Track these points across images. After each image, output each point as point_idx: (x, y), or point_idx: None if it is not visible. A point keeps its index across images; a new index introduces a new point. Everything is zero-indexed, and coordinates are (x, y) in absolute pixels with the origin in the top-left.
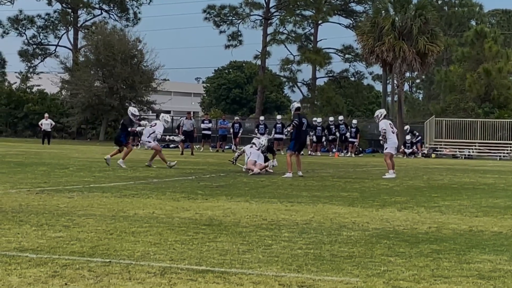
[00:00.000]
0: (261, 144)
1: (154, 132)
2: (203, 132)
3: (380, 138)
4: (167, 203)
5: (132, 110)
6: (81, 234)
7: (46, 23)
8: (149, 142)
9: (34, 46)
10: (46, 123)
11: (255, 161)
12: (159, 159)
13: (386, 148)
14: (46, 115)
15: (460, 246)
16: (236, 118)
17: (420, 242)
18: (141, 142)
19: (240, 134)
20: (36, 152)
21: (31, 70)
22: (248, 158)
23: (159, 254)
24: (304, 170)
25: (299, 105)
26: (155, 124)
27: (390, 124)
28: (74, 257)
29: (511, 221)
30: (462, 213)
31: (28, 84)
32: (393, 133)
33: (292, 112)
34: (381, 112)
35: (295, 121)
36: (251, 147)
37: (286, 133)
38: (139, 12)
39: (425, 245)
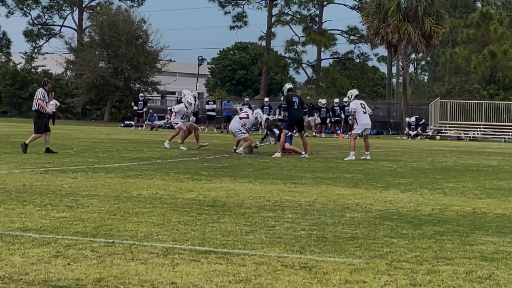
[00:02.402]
0: (257, 120)
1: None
2: (208, 113)
3: (350, 118)
4: (171, 184)
5: (188, 98)
6: (84, 214)
7: (51, 3)
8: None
9: (39, 27)
10: (51, 104)
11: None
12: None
13: (354, 129)
14: (51, 95)
15: (463, 228)
16: (246, 99)
17: (423, 223)
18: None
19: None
20: None
21: (36, 50)
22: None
23: (162, 234)
24: (308, 151)
25: (290, 86)
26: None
27: (362, 104)
28: (77, 237)
29: None
30: (465, 195)
31: (33, 65)
32: (365, 113)
33: (284, 94)
34: (352, 92)
35: (282, 104)
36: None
37: (281, 117)
38: None
39: (428, 227)
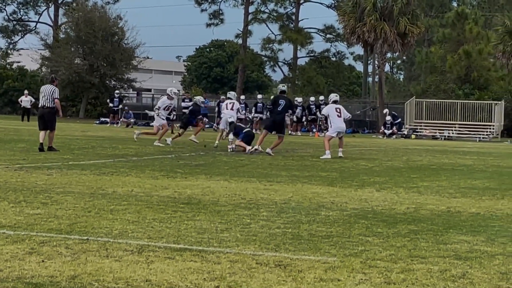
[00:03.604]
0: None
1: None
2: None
3: (320, 121)
4: (146, 181)
5: (173, 89)
6: (59, 211)
7: None
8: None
9: (14, 22)
10: (25, 100)
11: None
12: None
13: (328, 131)
14: (26, 92)
15: (438, 226)
16: (222, 97)
17: (398, 222)
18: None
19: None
20: (15, 129)
21: (11, 46)
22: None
23: (137, 232)
24: (284, 149)
25: (283, 88)
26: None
27: (337, 109)
28: (51, 234)
29: (489, 202)
30: (440, 194)
31: (8, 61)
32: (339, 117)
33: (276, 94)
34: (331, 97)
35: (268, 104)
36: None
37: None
38: None
39: (402, 226)
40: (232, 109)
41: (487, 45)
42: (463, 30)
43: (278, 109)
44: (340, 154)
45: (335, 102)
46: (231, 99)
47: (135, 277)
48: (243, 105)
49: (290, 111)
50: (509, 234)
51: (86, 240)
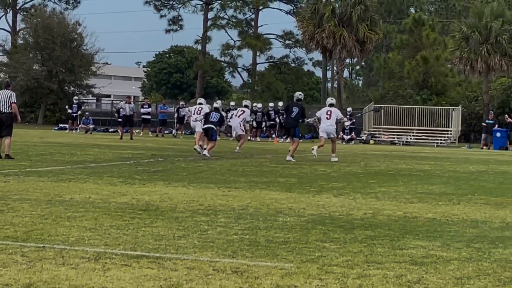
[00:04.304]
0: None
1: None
2: (143, 116)
3: (315, 122)
4: (104, 187)
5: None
6: (15, 218)
7: None
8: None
9: None
10: None
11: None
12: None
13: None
14: None
15: (394, 232)
16: (181, 103)
17: (355, 228)
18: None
19: (186, 119)
20: None
21: None
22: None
23: (94, 239)
24: (243, 155)
25: (299, 97)
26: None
27: (328, 111)
28: (7, 242)
29: (445, 208)
30: (397, 200)
31: None
32: (328, 119)
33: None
34: (327, 101)
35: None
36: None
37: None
38: None
39: (359, 231)
40: (239, 116)
41: (444, 51)
42: (420, 36)
43: (291, 116)
44: (334, 159)
45: (331, 105)
46: (247, 106)
47: (91, 284)
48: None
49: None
50: (465, 239)
51: (42, 247)
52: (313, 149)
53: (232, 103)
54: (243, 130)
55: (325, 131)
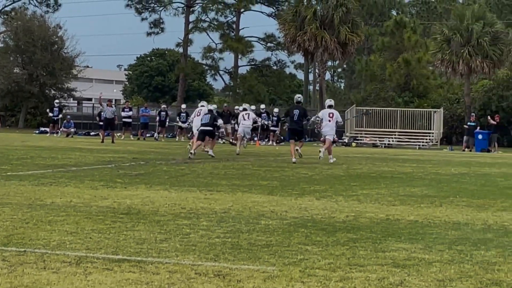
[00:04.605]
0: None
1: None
2: (124, 120)
3: (316, 126)
4: (85, 191)
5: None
6: None
7: None
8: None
9: None
10: None
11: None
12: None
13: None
14: None
15: (376, 234)
16: (163, 106)
17: (337, 230)
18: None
19: (167, 123)
20: None
21: None
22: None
23: (75, 243)
24: (225, 158)
25: (299, 99)
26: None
27: (330, 114)
28: None
29: (427, 210)
30: (379, 202)
31: None
32: (330, 121)
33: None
34: (326, 102)
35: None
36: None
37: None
38: None
39: (342, 234)
40: (248, 119)
41: (426, 53)
42: (402, 39)
43: (294, 119)
44: (332, 159)
45: (330, 106)
46: (246, 110)
47: None
48: (184, 114)
49: (307, 119)
50: (446, 241)
51: (23, 252)
52: (320, 151)
53: (234, 105)
54: (249, 133)
55: (325, 133)
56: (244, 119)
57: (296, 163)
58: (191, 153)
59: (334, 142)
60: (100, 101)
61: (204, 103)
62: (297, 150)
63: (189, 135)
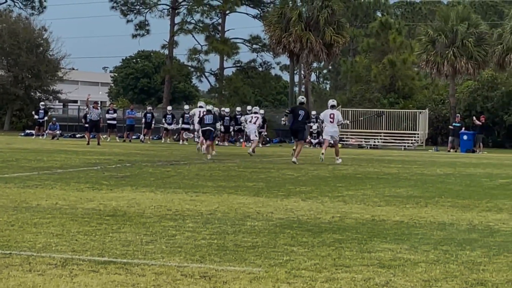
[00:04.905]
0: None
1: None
2: (108, 122)
3: (317, 126)
4: (71, 193)
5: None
6: None
7: None
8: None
9: None
10: None
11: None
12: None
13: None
14: None
15: (362, 235)
16: (149, 108)
17: (323, 231)
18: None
19: (153, 124)
20: None
21: None
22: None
23: (61, 245)
24: (210, 160)
25: (302, 100)
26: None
27: (331, 114)
28: None
29: (413, 210)
30: (365, 203)
31: None
32: (332, 122)
33: (296, 104)
34: (328, 103)
35: (286, 111)
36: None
37: (282, 122)
38: (45, 0)
39: (327, 235)
40: (255, 122)
41: (411, 54)
42: (387, 40)
43: (298, 119)
44: (338, 161)
45: (332, 107)
46: (256, 113)
47: None
48: (169, 116)
49: (311, 120)
50: (432, 241)
51: (8, 254)
52: (322, 154)
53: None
54: (256, 136)
55: (330, 134)
56: (251, 122)
57: (296, 163)
58: (204, 153)
59: (320, 143)
60: (87, 102)
61: (202, 103)
62: (294, 150)
63: (175, 137)
